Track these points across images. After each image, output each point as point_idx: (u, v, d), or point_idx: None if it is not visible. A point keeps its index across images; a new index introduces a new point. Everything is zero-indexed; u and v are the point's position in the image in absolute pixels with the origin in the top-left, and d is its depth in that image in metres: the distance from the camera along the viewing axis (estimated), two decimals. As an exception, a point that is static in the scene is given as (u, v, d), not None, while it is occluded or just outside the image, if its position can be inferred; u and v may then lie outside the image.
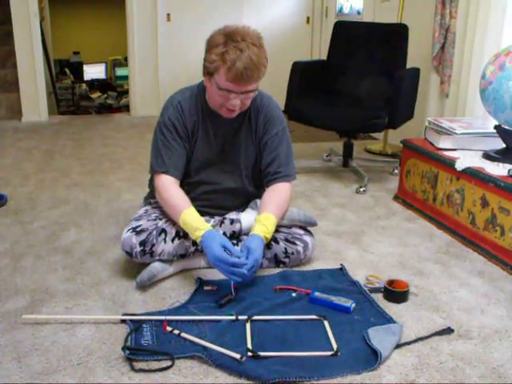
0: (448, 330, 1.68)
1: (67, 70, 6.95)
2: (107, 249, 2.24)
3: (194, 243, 1.97)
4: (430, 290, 1.95)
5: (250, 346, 1.54)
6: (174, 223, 1.98)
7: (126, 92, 5.85)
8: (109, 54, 7.32)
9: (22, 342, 1.58)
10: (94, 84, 6.76)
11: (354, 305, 1.77)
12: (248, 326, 1.64)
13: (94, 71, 7.09)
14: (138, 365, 1.47)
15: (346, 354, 1.52)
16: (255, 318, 1.68)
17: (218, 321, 1.67)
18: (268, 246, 2.00)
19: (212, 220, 2.03)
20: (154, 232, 1.94)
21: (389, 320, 1.70)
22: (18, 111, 4.98)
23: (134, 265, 2.00)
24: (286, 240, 2.06)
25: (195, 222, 1.85)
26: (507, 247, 2.15)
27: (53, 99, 5.77)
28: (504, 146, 2.46)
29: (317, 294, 1.82)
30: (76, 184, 3.12)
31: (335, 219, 2.65)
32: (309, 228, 2.18)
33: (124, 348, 1.52)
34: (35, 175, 3.27)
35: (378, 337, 1.58)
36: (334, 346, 1.55)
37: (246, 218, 2.07)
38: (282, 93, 3.31)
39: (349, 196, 3.02)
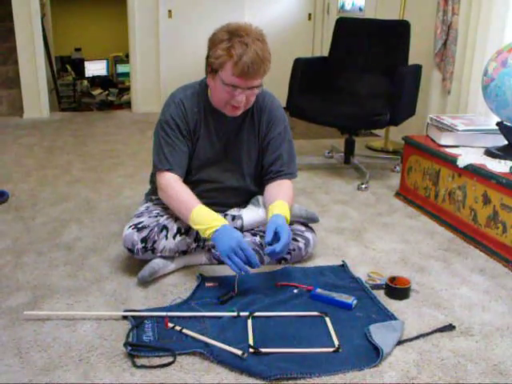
0: (449, 327, 1.68)
1: (68, 67, 6.93)
2: (108, 245, 2.24)
3: (196, 240, 1.97)
4: (432, 287, 1.95)
5: (251, 342, 1.54)
6: (175, 219, 1.98)
7: (128, 89, 5.83)
8: (110, 51, 7.30)
9: (23, 338, 1.58)
10: (96, 81, 6.73)
11: (355, 301, 1.77)
12: (249, 322, 1.64)
13: (95, 68, 7.07)
14: (140, 361, 1.48)
15: (348, 351, 1.52)
16: (257, 314, 1.69)
17: (220, 317, 1.67)
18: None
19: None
20: (156, 229, 1.94)
21: (390, 317, 1.70)
22: (19, 108, 4.97)
23: (136, 261, 2.00)
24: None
25: (213, 215, 1.84)
26: (509, 244, 2.15)
27: (54, 96, 5.76)
28: (506, 142, 2.46)
29: (318, 290, 1.82)
30: (77, 180, 3.12)
31: (337, 216, 2.65)
32: (310, 224, 2.18)
33: (126, 344, 1.52)
34: (36, 172, 3.27)
35: (380, 333, 1.58)
36: (336, 342, 1.55)
37: (248, 214, 2.07)
38: (284, 89, 3.31)
39: (350, 193, 3.02)
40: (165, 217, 2.00)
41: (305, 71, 3.40)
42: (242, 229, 2.04)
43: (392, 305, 1.80)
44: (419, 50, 3.66)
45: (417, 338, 1.62)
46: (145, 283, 1.91)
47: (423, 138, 2.84)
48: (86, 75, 6.92)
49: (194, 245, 1.99)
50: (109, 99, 6.00)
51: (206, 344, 1.52)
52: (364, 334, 1.59)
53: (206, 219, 1.82)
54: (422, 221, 2.62)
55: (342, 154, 3.62)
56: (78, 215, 2.58)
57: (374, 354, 1.51)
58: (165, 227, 1.95)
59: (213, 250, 2.03)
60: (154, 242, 1.92)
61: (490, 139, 2.57)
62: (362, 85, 3.47)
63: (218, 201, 2.08)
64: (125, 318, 1.68)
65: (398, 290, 1.85)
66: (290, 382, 1.41)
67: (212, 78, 1.87)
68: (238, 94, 1.84)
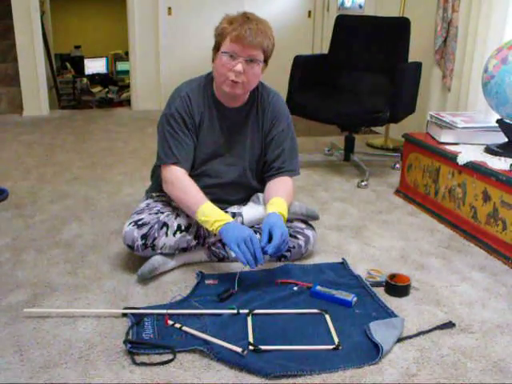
0: (449, 324, 1.68)
1: (68, 65, 6.93)
2: (108, 243, 2.24)
3: (196, 237, 1.97)
4: (432, 284, 1.95)
5: (251, 339, 1.54)
6: (175, 216, 1.98)
7: (127, 86, 5.84)
8: (110, 49, 7.30)
9: (23, 335, 1.58)
10: (95, 78, 6.74)
11: (355, 299, 1.77)
12: (249, 319, 1.64)
13: (95, 65, 7.07)
14: (140, 358, 1.48)
15: (348, 348, 1.52)
16: (257, 311, 1.69)
17: (220, 314, 1.67)
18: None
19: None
20: (156, 226, 1.94)
21: (390, 314, 1.70)
22: (18, 105, 4.97)
23: (136, 259, 2.00)
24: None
25: (221, 211, 1.88)
26: (509, 241, 2.15)
27: (54, 93, 5.76)
28: (506, 140, 2.46)
29: (318, 287, 1.82)
30: (77, 178, 3.12)
31: (336, 213, 2.65)
32: (310, 222, 2.18)
33: (125, 341, 1.52)
34: (36, 169, 3.27)
35: (380, 331, 1.58)
36: (336, 339, 1.55)
37: (248, 211, 2.07)
38: (284, 87, 3.30)
39: (350, 190, 3.02)
40: (165, 214, 2.00)
41: (305, 68, 3.40)
42: (242, 226, 2.05)
43: (392, 302, 1.80)
44: (419, 48, 3.66)
45: (417, 335, 1.62)
46: (145, 280, 1.91)
47: (423, 136, 2.84)
48: (86, 73, 6.92)
49: (193, 242, 1.99)
50: (108, 97, 6.01)
51: (206, 341, 1.52)
52: (364, 332, 1.59)
53: (216, 213, 1.85)
54: (421, 218, 2.62)
55: (341, 152, 3.62)
56: (78, 213, 2.58)
57: (373, 352, 1.51)
58: (165, 224, 1.95)
59: (213, 248, 2.03)
60: (154, 238, 1.92)
61: (490, 136, 2.57)
62: (362, 82, 3.46)
63: (219, 196, 2.08)
64: (125, 315, 1.68)
65: (397, 287, 1.85)
66: (289, 379, 1.41)
67: (215, 56, 1.91)
68: (235, 63, 1.84)
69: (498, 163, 2.31)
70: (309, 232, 2.11)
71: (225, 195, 2.10)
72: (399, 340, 1.58)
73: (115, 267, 2.02)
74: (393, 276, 1.88)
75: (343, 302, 1.75)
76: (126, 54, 6.16)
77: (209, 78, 2.02)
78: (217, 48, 1.89)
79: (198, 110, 1.99)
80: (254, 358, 1.46)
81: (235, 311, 1.68)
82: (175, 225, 1.96)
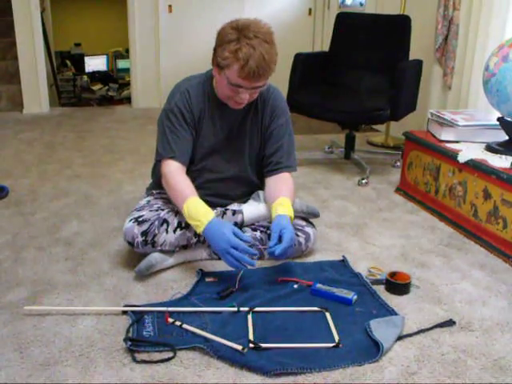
0: (450, 322, 1.68)
1: (68, 62, 6.92)
2: (109, 240, 2.24)
3: (196, 234, 1.97)
4: (432, 282, 1.95)
5: (251, 337, 1.54)
6: (176, 213, 1.98)
7: (128, 84, 5.83)
8: (110, 46, 7.29)
9: (23, 333, 1.58)
10: (96, 76, 6.72)
11: (355, 297, 1.77)
12: (250, 317, 1.64)
13: (95, 63, 7.06)
14: (140, 356, 1.48)
15: (348, 346, 1.52)
16: (257, 309, 1.69)
17: (220, 312, 1.67)
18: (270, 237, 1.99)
19: (214, 211, 2.02)
20: (156, 222, 1.94)
21: (390, 312, 1.70)
22: (19, 103, 4.96)
23: (136, 256, 2.00)
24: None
25: (201, 210, 1.84)
26: (509, 239, 2.15)
27: (54, 91, 5.75)
28: (507, 138, 2.46)
29: (318, 285, 1.82)
30: (77, 176, 3.12)
31: (337, 211, 2.65)
32: (310, 219, 2.18)
33: (126, 339, 1.52)
34: (36, 167, 3.27)
35: (380, 329, 1.58)
36: (336, 337, 1.55)
37: (249, 209, 2.07)
38: (284, 84, 3.30)
39: (350, 188, 3.01)
40: (165, 211, 2.00)
41: (305, 66, 3.40)
42: (242, 223, 2.05)
43: (392, 300, 1.80)
44: (420, 45, 3.65)
45: (417, 333, 1.61)
46: (144, 278, 1.91)
47: (424, 134, 2.83)
48: (86, 70, 6.90)
49: (194, 239, 1.99)
50: (109, 94, 6.00)
51: (206, 339, 1.52)
52: (364, 330, 1.59)
53: (194, 214, 1.83)
54: (422, 216, 2.62)
55: (342, 150, 3.62)
56: (78, 210, 2.58)
57: (374, 350, 1.51)
58: (165, 221, 1.95)
59: (208, 241, 2.03)
60: (155, 235, 1.92)
61: (491, 134, 2.56)
62: (363, 80, 3.45)
63: (219, 191, 2.09)
64: (125, 313, 1.68)
65: (398, 285, 1.85)
66: (289, 377, 1.41)
67: (218, 73, 1.88)
68: (241, 92, 1.86)
69: (499, 161, 2.31)
70: (309, 229, 2.11)
71: (225, 190, 2.10)
72: (399, 338, 1.58)
73: (115, 265, 2.02)
74: (393, 274, 1.88)
75: (343, 299, 1.75)
76: (127, 51, 6.15)
77: (208, 76, 2.02)
78: (220, 67, 1.84)
79: (198, 105, 1.99)
80: (255, 355, 1.46)
81: (235, 309, 1.68)
82: (175, 222, 1.96)
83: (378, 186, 3.06)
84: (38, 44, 4.83)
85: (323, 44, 5.31)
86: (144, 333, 1.57)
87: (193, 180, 1.99)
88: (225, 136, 2.06)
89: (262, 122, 2.07)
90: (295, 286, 1.85)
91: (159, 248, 1.94)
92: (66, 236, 2.28)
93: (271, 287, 1.84)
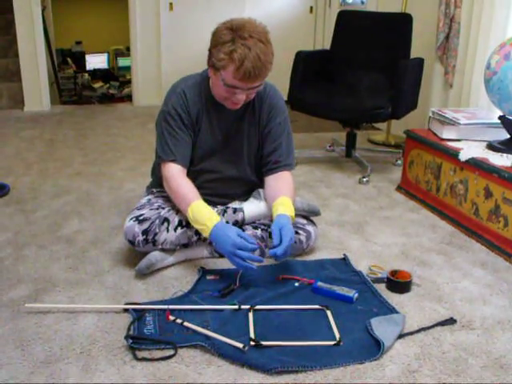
0: (450, 321, 1.68)
1: (69, 60, 6.93)
2: (110, 238, 2.24)
3: (197, 233, 1.97)
4: (433, 281, 1.95)
5: (252, 335, 1.54)
6: (176, 212, 1.98)
7: (129, 82, 5.84)
8: (111, 44, 7.30)
9: (25, 330, 1.58)
10: (97, 74, 6.73)
11: (356, 295, 1.77)
12: (251, 315, 1.64)
13: (96, 61, 7.07)
14: (141, 354, 1.48)
15: (349, 344, 1.52)
16: (258, 307, 1.69)
17: (221, 310, 1.67)
18: (270, 235, 2.00)
19: (215, 209, 2.02)
20: (157, 221, 1.94)
21: (391, 310, 1.70)
22: (20, 101, 4.97)
23: (137, 254, 2.00)
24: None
25: (206, 214, 1.85)
26: (510, 238, 2.14)
27: (55, 89, 5.76)
28: (508, 136, 2.45)
29: (319, 283, 1.82)
30: (78, 174, 3.12)
31: (338, 209, 2.64)
32: (311, 218, 2.18)
33: (127, 337, 1.52)
34: (37, 165, 3.27)
35: (381, 327, 1.58)
36: (337, 335, 1.55)
37: (249, 207, 2.07)
38: (285, 83, 3.30)
39: (352, 186, 3.01)
40: (166, 209, 2.00)
41: (306, 64, 3.39)
42: (243, 222, 2.05)
43: (393, 298, 1.80)
44: (421, 43, 3.65)
45: (418, 331, 1.61)
46: (145, 276, 1.91)
47: (425, 132, 2.83)
48: (87, 68, 6.91)
49: (195, 237, 1.99)
50: (110, 92, 6.00)
51: (207, 337, 1.52)
52: (365, 328, 1.59)
53: (199, 218, 1.84)
54: (423, 214, 2.62)
55: (343, 148, 3.61)
56: (79, 208, 2.58)
57: (374, 348, 1.51)
58: (166, 220, 1.95)
59: (214, 244, 2.03)
60: (155, 234, 1.92)
61: (492, 133, 2.56)
62: (364, 78, 3.45)
63: (219, 191, 2.08)
64: (126, 310, 1.68)
65: (399, 283, 1.85)
66: (290, 375, 1.41)
67: (213, 73, 1.87)
68: (238, 93, 1.85)
69: (500, 160, 2.30)
70: (310, 228, 2.11)
71: (225, 190, 2.10)
72: (400, 336, 1.58)
73: (116, 263, 2.03)
74: (394, 272, 1.88)
75: (344, 297, 1.75)
76: (128, 49, 6.15)
77: (204, 76, 2.00)
78: (216, 68, 1.83)
79: (195, 106, 1.99)
80: (255, 353, 1.46)
81: (236, 307, 1.68)
82: (176, 220, 1.96)
83: (379, 184, 3.06)
84: (38, 42, 4.83)
85: (324, 42, 5.31)
86: (145, 330, 1.57)
87: (192, 180, 1.99)
88: (223, 136, 2.05)
89: (259, 121, 2.06)
90: (296, 284, 1.86)
91: (160, 247, 1.94)
92: (66, 234, 2.29)
93: (272, 285, 1.84)
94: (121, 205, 2.62)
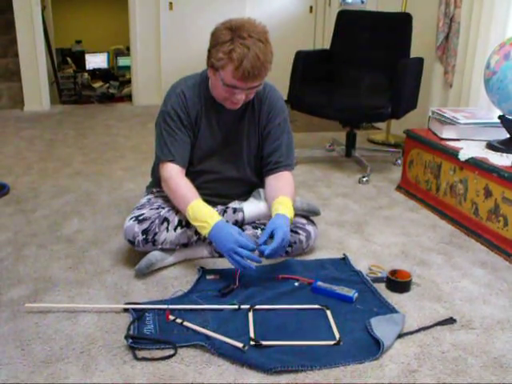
0: (450, 320, 1.68)
1: (69, 59, 6.92)
2: (109, 238, 2.24)
3: (197, 232, 1.97)
4: (433, 280, 1.95)
5: (252, 335, 1.54)
6: (176, 212, 1.98)
7: (128, 81, 5.82)
8: (111, 44, 7.28)
9: (25, 330, 1.58)
10: (96, 73, 6.72)
11: (356, 294, 1.77)
12: (250, 315, 1.64)
13: (96, 60, 7.05)
14: (141, 353, 1.48)
15: (349, 344, 1.52)
16: (258, 307, 1.69)
17: (221, 310, 1.68)
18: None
19: (215, 209, 2.02)
20: (157, 221, 1.94)
21: (391, 310, 1.70)
22: (19, 100, 4.97)
23: (137, 254, 2.00)
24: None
25: (206, 212, 1.85)
26: (510, 238, 2.15)
27: (55, 88, 5.75)
28: (508, 136, 2.45)
29: (319, 283, 1.82)
30: (78, 173, 3.12)
31: (338, 209, 2.65)
32: (311, 217, 2.18)
33: (127, 337, 1.52)
34: (37, 164, 3.27)
35: (381, 326, 1.58)
36: (337, 335, 1.55)
37: (249, 207, 2.07)
38: (285, 82, 3.30)
39: (351, 186, 3.01)
40: (166, 209, 2.00)
41: (306, 64, 3.39)
42: (243, 221, 2.05)
43: (393, 298, 1.80)
44: (421, 43, 3.65)
45: (417, 331, 1.62)
46: (145, 275, 1.91)
47: (425, 132, 2.83)
48: (87, 68, 6.90)
49: (195, 237, 1.99)
50: (109, 92, 5.99)
51: (207, 337, 1.52)
52: (365, 327, 1.59)
53: (200, 216, 1.84)
54: (423, 214, 2.62)
55: (343, 147, 3.61)
56: (79, 208, 2.58)
57: (374, 347, 1.51)
58: (166, 219, 1.95)
59: (214, 244, 2.03)
60: (155, 234, 1.92)
61: (492, 132, 2.56)
62: (364, 78, 3.45)
63: (218, 192, 2.08)
64: (126, 310, 1.68)
65: (398, 283, 1.85)
66: (290, 374, 1.41)
67: (213, 73, 1.87)
68: (237, 93, 1.85)
69: (500, 159, 2.30)
70: (310, 227, 2.11)
71: (225, 190, 2.10)
72: (400, 336, 1.58)
73: (116, 262, 2.03)
74: (394, 272, 1.88)
75: (344, 297, 1.75)
76: (127, 49, 6.14)
77: (204, 76, 2.00)
78: (215, 68, 1.83)
79: (194, 106, 1.98)
80: (255, 353, 1.46)
81: (236, 306, 1.68)
82: (176, 220, 1.96)
83: (378, 183, 3.06)
84: (38, 41, 4.83)
85: (324, 42, 5.31)
86: (145, 330, 1.57)
87: (192, 181, 2.00)
88: (222, 137, 2.05)
89: (258, 121, 2.06)
90: (296, 284, 1.86)
91: (160, 246, 1.94)
92: (66, 233, 2.29)
93: (272, 285, 1.84)
94: (121, 204, 2.62)
